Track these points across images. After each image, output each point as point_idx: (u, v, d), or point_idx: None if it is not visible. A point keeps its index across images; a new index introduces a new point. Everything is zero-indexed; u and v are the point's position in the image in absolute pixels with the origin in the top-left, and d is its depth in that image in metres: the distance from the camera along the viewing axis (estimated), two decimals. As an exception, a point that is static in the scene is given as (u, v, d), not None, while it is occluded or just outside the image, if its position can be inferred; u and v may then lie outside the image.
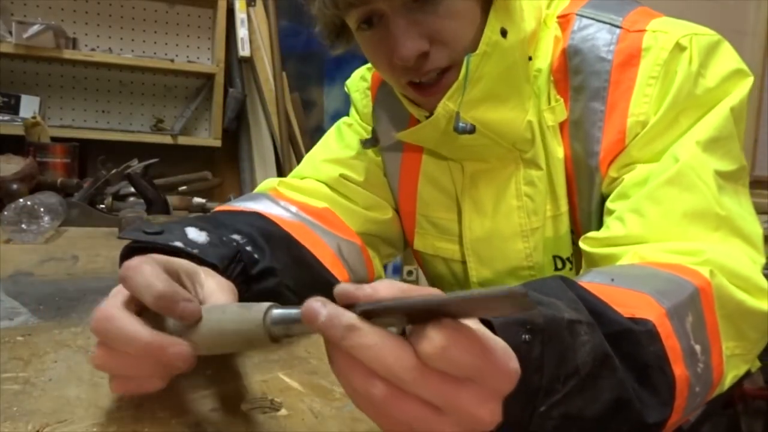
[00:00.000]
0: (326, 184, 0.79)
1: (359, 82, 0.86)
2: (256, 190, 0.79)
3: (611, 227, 0.60)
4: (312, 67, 2.57)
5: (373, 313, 0.29)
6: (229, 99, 2.33)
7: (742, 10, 2.83)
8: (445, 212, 0.78)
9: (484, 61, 0.62)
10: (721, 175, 0.58)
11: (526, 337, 0.34)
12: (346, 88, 0.88)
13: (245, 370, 0.49)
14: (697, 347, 0.46)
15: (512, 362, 0.29)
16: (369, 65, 0.85)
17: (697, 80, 0.60)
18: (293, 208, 0.72)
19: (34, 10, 2.24)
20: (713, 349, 0.48)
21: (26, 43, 2.04)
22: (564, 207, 0.69)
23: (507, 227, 0.72)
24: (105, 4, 2.35)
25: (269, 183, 0.79)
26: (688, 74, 0.60)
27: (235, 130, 2.41)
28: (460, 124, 0.64)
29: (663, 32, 0.62)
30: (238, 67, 2.37)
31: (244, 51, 2.30)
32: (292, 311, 0.34)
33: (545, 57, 0.68)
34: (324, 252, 0.69)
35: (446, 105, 0.63)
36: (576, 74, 0.66)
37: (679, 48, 0.61)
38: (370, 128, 0.83)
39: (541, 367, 0.35)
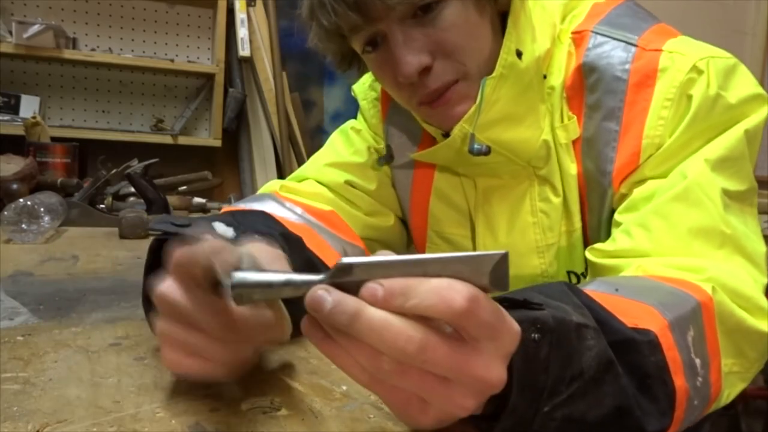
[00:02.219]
0: (328, 188, 0.79)
1: (368, 90, 0.85)
2: (259, 192, 0.79)
3: (618, 240, 0.60)
4: (312, 67, 2.57)
5: (358, 269, 0.30)
6: (229, 99, 2.33)
7: (742, 10, 2.83)
8: (458, 228, 0.78)
9: (500, 84, 0.62)
10: (728, 194, 0.58)
11: (536, 336, 0.35)
12: (352, 92, 0.88)
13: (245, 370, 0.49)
14: (697, 361, 0.46)
15: (515, 323, 0.31)
16: None
17: (715, 103, 0.59)
18: (298, 210, 0.72)
19: (34, 10, 2.24)
20: (712, 365, 0.48)
21: (26, 43, 2.04)
22: (578, 223, 0.69)
23: (522, 243, 0.72)
24: (105, 4, 2.35)
25: (271, 186, 0.79)
26: (705, 98, 0.59)
27: (235, 130, 2.41)
28: (475, 146, 0.64)
29: (680, 54, 0.61)
30: (238, 67, 2.37)
31: (244, 51, 2.31)
32: (251, 277, 0.34)
33: (559, 74, 0.67)
34: (330, 255, 0.69)
35: (463, 127, 0.63)
36: (592, 92, 0.65)
37: (696, 71, 0.60)
38: (380, 138, 0.83)
39: (547, 367, 0.35)
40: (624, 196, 0.64)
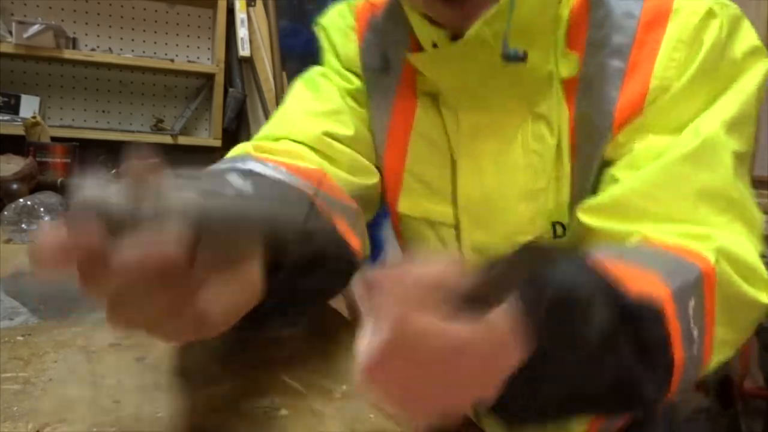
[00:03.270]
0: (306, 146, 0.69)
1: (338, 20, 0.77)
2: (230, 155, 0.68)
3: (619, 199, 0.57)
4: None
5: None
6: (229, 99, 2.33)
7: (743, 9, 2.83)
8: (437, 169, 0.70)
9: None
10: (737, 156, 0.56)
11: (545, 305, 0.33)
12: (318, 29, 0.79)
13: (245, 370, 0.49)
14: (695, 331, 0.45)
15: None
16: (347, 1, 0.77)
17: (724, 50, 0.58)
18: (283, 170, 0.61)
19: (34, 10, 2.24)
20: (707, 334, 0.48)
21: (26, 43, 2.05)
22: (567, 168, 0.64)
23: (510, 187, 0.66)
24: (105, 4, 2.35)
25: (242, 147, 0.68)
26: (716, 42, 0.57)
27: (235, 130, 2.41)
28: (510, 51, 0.56)
29: None
30: (238, 67, 2.37)
31: (244, 51, 2.31)
32: None
33: (566, 4, 0.62)
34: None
35: (482, 29, 0.56)
36: (598, 28, 0.61)
37: (711, 14, 0.58)
38: (353, 75, 0.75)
39: (552, 336, 0.34)
40: (619, 145, 0.60)
